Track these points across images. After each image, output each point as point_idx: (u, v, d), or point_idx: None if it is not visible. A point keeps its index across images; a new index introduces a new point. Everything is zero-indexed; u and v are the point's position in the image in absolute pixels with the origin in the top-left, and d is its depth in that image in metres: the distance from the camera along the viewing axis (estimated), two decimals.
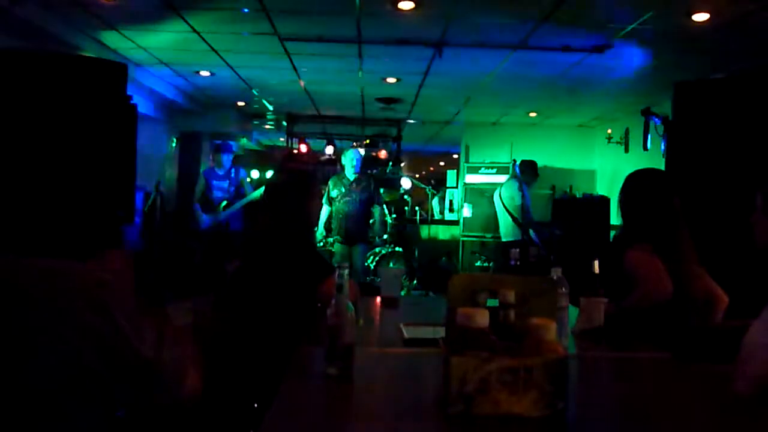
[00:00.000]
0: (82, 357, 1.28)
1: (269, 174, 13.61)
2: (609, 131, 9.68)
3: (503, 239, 7.20)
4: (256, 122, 11.82)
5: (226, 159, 7.30)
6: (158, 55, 6.87)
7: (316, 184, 2.99)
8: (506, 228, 7.12)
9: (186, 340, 1.49)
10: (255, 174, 13.55)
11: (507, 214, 7.07)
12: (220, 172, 7.29)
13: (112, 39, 6.15)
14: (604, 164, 10.44)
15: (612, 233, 8.85)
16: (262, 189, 7.06)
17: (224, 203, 7.19)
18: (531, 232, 7.13)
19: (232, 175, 7.31)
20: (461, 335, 1.45)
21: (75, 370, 1.28)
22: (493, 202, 7.55)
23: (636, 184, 2.93)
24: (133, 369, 1.35)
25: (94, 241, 1.61)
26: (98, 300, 1.31)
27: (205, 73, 7.75)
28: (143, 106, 8.36)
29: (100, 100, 3.50)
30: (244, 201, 7.19)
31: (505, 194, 7.14)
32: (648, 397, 1.75)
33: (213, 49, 6.49)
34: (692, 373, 1.98)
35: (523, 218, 7.10)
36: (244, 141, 12.43)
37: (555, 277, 2.28)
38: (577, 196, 9.86)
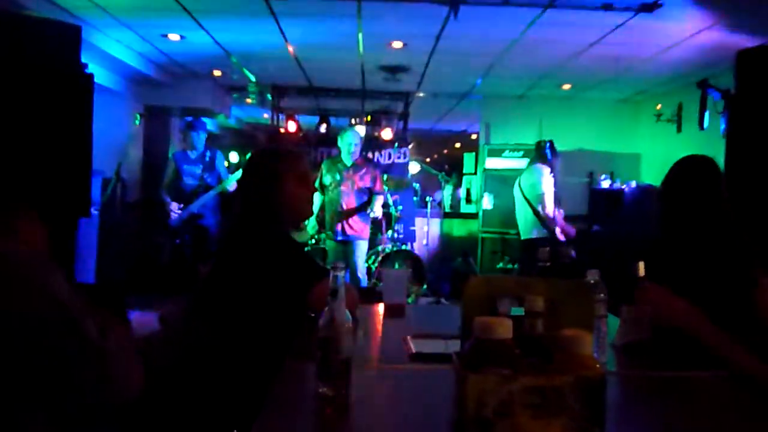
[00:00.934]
0: (26, 351, 1.29)
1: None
2: (658, 107, 9.66)
3: (522, 236, 7.16)
4: (235, 96, 11.81)
5: (199, 139, 7.34)
6: (118, 15, 6.86)
7: (304, 165, 2.93)
8: (526, 223, 7.08)
9: (126, 336, 1.51)
10: (234, 157, 13.58)
11: (527, 205, 7.01)
12: (192, 155, 7.34)
13: None
14: (652, 147, 10.42)
15: None
16: (239, 174, 7.07)
17: (197, 192, 7.23)
18: (556, 229, 7.07)
19: (207, 158, 7.34)
20: (479, 349, 1.45)
21: (17, 368, 1.29)
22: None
23: (682, 175, 2.88)
24: (82, 358, 1.35)
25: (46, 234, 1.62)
26: (35, 281, 1.32)
27: (174, 37, 7.75)
28: (101, 76, 8.37)
29: (48, 68, 3.50)
30: (218, 189, 7.23)
31: (526, 182, 7.06)
32: (702, 423, 1.75)
33: (184, 8, 6.48)
34: (755, 396, 1.97)
35: (544, 212, 6.94)
36: (221, 118, 12.43)
37: (591, 281, 2.28)
38: (619, 184, 9.85)
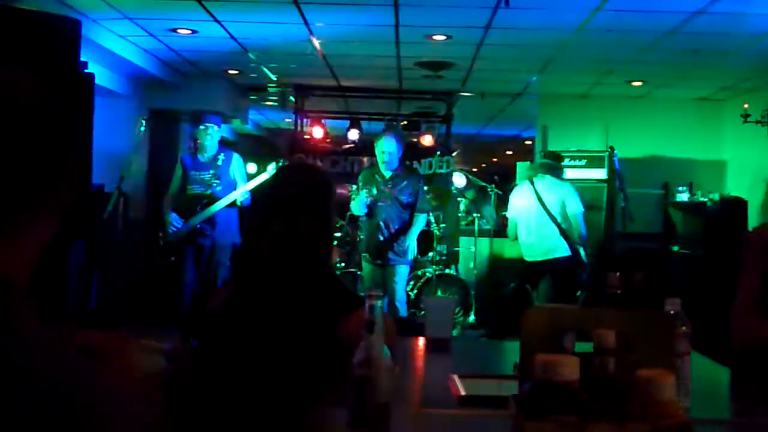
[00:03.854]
0: None
1: (271, 168, 13.66)
2: (745, 106, 9.55)
3: (541, 257, 7.19)
4: (253, 97, 11.92)
5: (210, 139, 7.07)
6: (122, 7, 6.97)
7: (331, 187, 2.97)
8: (549, 242, 7.14)
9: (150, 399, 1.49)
10: (252, 168, 13.66)
11: (552, 223, 7.09)
12: (203, 158, 7.09)
13: None
14: (739, 153, 10.31)
15: None
16: (250, 185, 6.97)
17: (204, 202, 6.95)
18: (581, 250, 7.14)
19: (220, 162, 7.07)
20: (540, 392, 1.43)
21: None
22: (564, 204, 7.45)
23: None
24: None
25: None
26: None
27: (184, 31, 7.85)
28: (102, 76, 8.49)
29: (44, 67, 3.56)
30: (226, 201, 6.90)
31: (553, 197, 7.14)
32: None
33: None
34: None
35: (575, 232, 7.11)
36: (237, 123, 12.55)
37: (671, 312, 2.25)
38: (701, 197, 9.75)
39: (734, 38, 7.26)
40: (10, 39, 3.52)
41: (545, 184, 7.21)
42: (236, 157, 7.21)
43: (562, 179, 7.30)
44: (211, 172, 7.03)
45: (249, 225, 6.86)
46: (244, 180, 7.12)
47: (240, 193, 6.94)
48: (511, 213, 7.54)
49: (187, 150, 8.08)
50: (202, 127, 7.06)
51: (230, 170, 7.09)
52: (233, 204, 6.97)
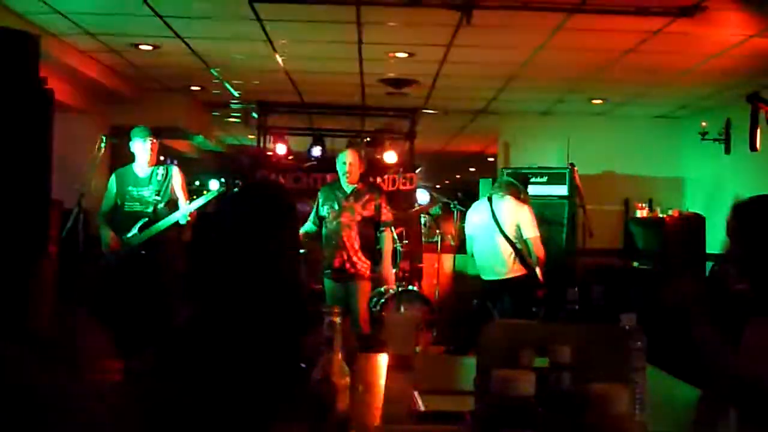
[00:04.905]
0: None
1: (215, 186, 13.58)
2: (703, 124, 9.69)
3: (497, 276, 7.23)
4: (215, 113, 11.87)
5: (144, 151, 6.63)
6: (82, 23, 6.93)
7: (291, 205, 2.97)
8: (503, 261, 7.17)
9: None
10: (214, 185, 13.59)
11: (506, 242, 7.12)
12: (140, 174, 6.71)
13: (20, 0, 6.21)
14: (697, 170, 10.43)
15: (709, 265, 8.84)
16: (196, 204, 6.66)
17: (143, 221, 6.58)
18: (536, 270, 7.19)
19: (160, 177, 6.70)
20: (497, 408, 1.44)
21: None
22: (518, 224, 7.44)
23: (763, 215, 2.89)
24: None
25: None
26: None
27: (146, 47, 7.81)
28: (62, 91, 8.41)
29: (1, 82, 3.53)
30: (168, 221, 6.55)
31: (509, 218, 7.16)
32: None
33: (156, 13, 6.54)
34: None
35: (530, 255, 7.15)
36: (199, 140, 12.49)
37: (627, 327, 2.27)
38: (660, 213, 9.86)
39: (690, 57, 7.36)
40: None
41: (503, 204, 7.21)
42: (175, 171, 6.81)
43: (521, 201, 7.28)
44: (152, 188, 6.65)
45: (204, 243, 6.77)
46: (182, 194, 6.79)
47: (185, 213, 6.61)
48: (468, 229, 7.57)
49: (123, 165, 7.14)
50: (139, 139, 6.64)
51: (170, 186, 6.72)
52: (176, 223, 6.63)
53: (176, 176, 6.78)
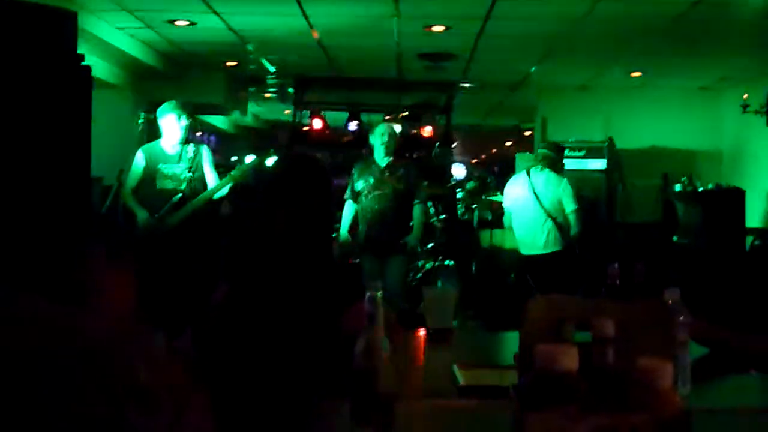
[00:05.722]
0: None
1: (270, 161, 13.64)
2: (744, 96, 9.55)
3: (541, 251, 7.20)
4: (252, 89, 11.90)
5: (175, 128, 6.34)
6: None
7: (328, 177, 2.98)
8: (547, 235, 7.15)
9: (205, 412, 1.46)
10: (251, 160, 13.69)
11: (546, 216, 7.10)
12: (170, 150, 6.39)
13: None
14: (737, 143, 10.31)
15: (749, 239, 8.74)
16: (228, 181, 6.60)
17: (177, 197, 6.27)
18: (575, 246, 7.16)
19: (192, 155, 6.39)
20: (540, 383, 1.44)
21: None
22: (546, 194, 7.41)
23: None
24: None
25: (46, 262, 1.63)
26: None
27: (182, 23, 7.84)
28: (99, 68, 8.47)
29: (40, 60, 3.55)
30: (202, 199, 6.34)
31: (549, 192, 7.13)
32: None
33: None
34: None
35: (569, 229, 7.12)
36: (236, 115, 12.54)
37: (670, 302, 2.25)
38: (700, 188, 9.75)
39: (732, 26, 7.25)
40: (5, 31, 3.51)
41: (542, 177, 7.17)
42: (205, 150, 6.55)
43: (560, 174, 7.25)
44: (183, 165, 6.36)
45: (239, 218, 6.75)
46: (215, 173, 6.57)
47: (219, 190, 6.43)
48: (506, 203, 7.53)
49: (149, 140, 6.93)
50: (172, 113, 6.33)
51: (201, 163, 6.46)
52: (209, 201, 6.46)
53: (206, 155, 6.52)
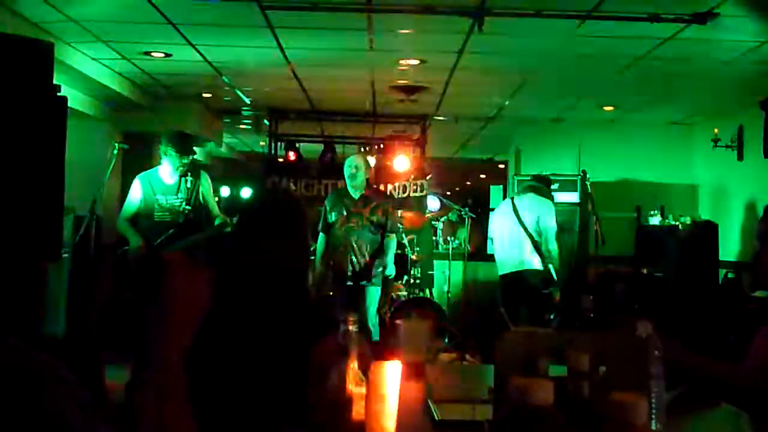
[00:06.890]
0: None
1: (245, 192, 13.67)
2: (715, 131, 9.66)
3: (513, 269, 7.31)
4: (227, 120, 11.90)
5: (176, 159, 6.24)
6: (95, 31, 6.94)
7: (303, 210, 2.99)
8: (522, 254, 7.26)
9: None
10: (225, 192, 13.64)
11: (525, 234, 7.22)
12: (168, 181, 6.32)
13: (33, 8, 6.23)
14: (710, 177, 10.39)
15: (722, 273, 8.79)
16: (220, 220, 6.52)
17: (171, 231, 6.22)
18: (551, 266, 7.26)
19: (188, 184, 6.30)
20: (515, 417, 1.43)
21: None
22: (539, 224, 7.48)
23: None
24: None
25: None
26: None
27: (158, 54, 7.83)
28: (76, 99, 8.44)
29: (16, 90, 3.53)
30: (213, 230, 6.30)
31: (532, 214, 7.25)
32: None
33: (169, 21, 6.55)
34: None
35: (545, 246, 7.24)
36: (211, 146, 12.51)
37: (644, 335, 2.25)
38: (672, 221, 9.82)
39: (702, 64, 7.34)
40: None
41: (526, 200, 7.34)
42: (205, 178, 6.47)
43: (543, 197, 7.37)
44: (181, 197, 6.29)
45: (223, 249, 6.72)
46: (213, 202, 6.52)
47: (199, 242, 6.27)
48: (491, 231, 7.66)
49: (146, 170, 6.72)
50: (174, 150, 6.23)
51: (199, 194, 6.37)
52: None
53: (206, 183, 6.44)
